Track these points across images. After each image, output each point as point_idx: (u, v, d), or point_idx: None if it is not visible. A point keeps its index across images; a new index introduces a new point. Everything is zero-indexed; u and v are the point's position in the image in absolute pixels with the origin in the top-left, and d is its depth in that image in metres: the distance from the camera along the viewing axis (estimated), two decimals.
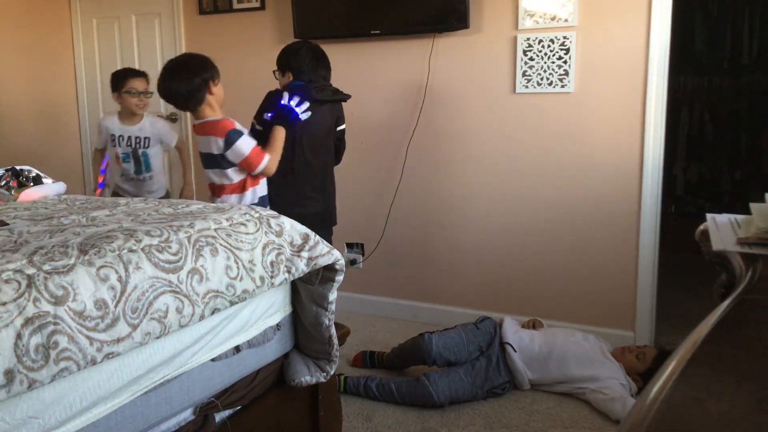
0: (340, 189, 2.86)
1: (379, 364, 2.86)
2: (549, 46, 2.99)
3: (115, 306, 1.19)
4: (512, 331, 2.68)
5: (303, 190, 2.61)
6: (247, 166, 2.33)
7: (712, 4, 4.99)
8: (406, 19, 3.20)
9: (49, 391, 1.13)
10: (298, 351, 1.86)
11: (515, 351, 2.59)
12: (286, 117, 2.43)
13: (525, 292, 3.22)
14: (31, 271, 1.13)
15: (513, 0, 3.04)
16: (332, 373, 1.82)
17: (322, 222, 2.57)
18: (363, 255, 3.57)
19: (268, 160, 2.37)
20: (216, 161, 2.34)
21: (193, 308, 1.34)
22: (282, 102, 2.43)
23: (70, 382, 1.17)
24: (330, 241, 2.71)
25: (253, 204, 2.40)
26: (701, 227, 1.39)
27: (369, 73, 3.40)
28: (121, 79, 3.17)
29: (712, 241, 1.24)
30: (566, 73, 2.98)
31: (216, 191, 2.41)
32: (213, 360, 1.52)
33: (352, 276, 3.53)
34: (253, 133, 2.62)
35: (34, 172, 2.32)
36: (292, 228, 1.67)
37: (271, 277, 1.55)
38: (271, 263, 1.56)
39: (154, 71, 2.63)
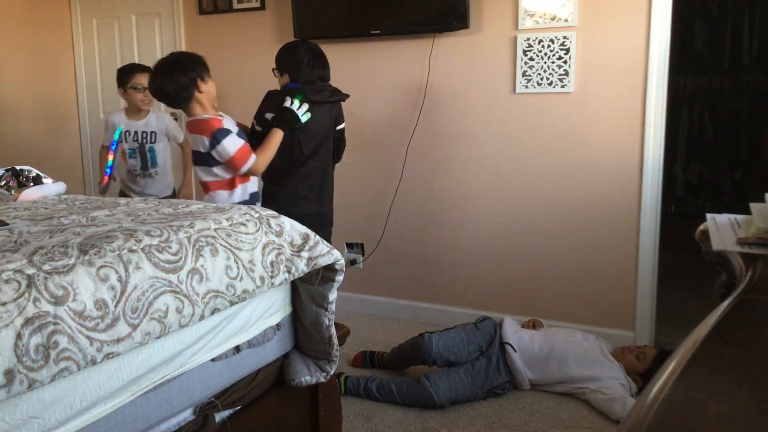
0: (340, 189, 2.87)
1: (379, 364, 2.86)
2: (549, 46, 2.99)
3: (115, 306, 1.19)
4: (512, 331, 2.68)
5: (297, 189, 2.61)
6: (232, 165, 2.35)
7: (712, 4, 4.99)
8: (406, 19, 3.20)
9: (49, 391, 1.13)
10: (298, 351, 1.86)
11: (515, 351, 2.59)
12: (287, 119, 2.45)
13: (525, 292, 3.22)
14: (31, 271, 1.13)
15: (513, 0, 3.04)
16: (332, 373, 1.82)
17: (315, 222, 2.57)
18: (363, 255, 3.57)
19: (255, 161, 2.38)
20: (204, 159, 2.37)
21: (193, 308, 1.34)
22: (285, 104, 2.44)
23: (70, 382, 1.17)
24: (328, 242, 2.70)
25: (243, 200, 2.42)
26: (701, 227, 1.38)
27: (369, 73, 3.40)
28: (126, 75, 3.18)
29: (712, 241, 1.24)
30: (566, 73, 2.98)
31: (205, 188, 2.45)
32: (213, 360, 1.52)
33: (352, 276, 3.53)
34: (253, 133, 2.62)
35: (34, 172, 2.32)
36: (292, 228, 1.67)
37: (271, 277, 1.55)
38: (271, 263, 1.56)
39: None
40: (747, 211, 1.32)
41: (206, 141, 2.32)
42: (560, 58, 2.97)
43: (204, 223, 1.51)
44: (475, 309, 3.28)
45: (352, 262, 3.57)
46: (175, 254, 1.35)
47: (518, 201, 3.18)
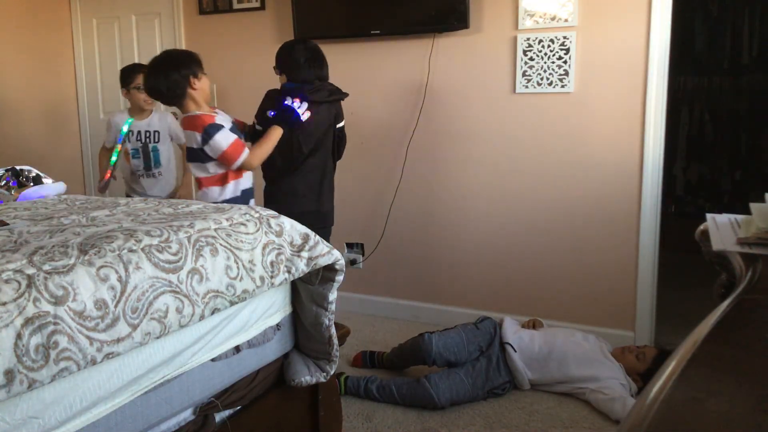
0: (341, 189, 2.87)
1: (379, 364, 2.86)
2: (549, 46, 2.99)
3: (115, 306, 1.19)
4: (512, 331, 2.68)
5: (297, 188, 2.62)
6: (225, 160, 2.37)
7: (712, 4, 4.99)
8: (406, 19, 3.20)
9: (49, 391, 1.13)
10: (298, 351, 1.85)
11: (515, 351, 2.59)
12: (288, 118, 2.46)
13: (525, 292, 3.22)
14: (31, 271, 1.13)
15: (513, 0, 3.04)
16: (332, 373, 1.82)
17: (315, 220, 2.58)
18: (363, 255, 3.57)
19: (248, 155, 2.39)
20: (197, 155, 2.39)
21: (193, 308, 1.34)
22: (285, 102, 2.45)
23: (70, 382, 1.17)
24: (327, 241, 2.71)
25: (234, 197, 2.43)
26: (701, 227, 1.39)
27: (369, 73, 3.40)
28: (129, 75, 3.18)
29: (712, 241, 1.24)
30: (566, 73, 2.98)
31: (198, 185, 2.47)
32: (213, 360, 1.52)
33: (352, 276, 3.53)
34: (254, 132, 2.63)
35: (34, 172, 2.33)
36: (292, 228, 1.67)
37: (271, 277, 1.55)
38: (271, 263, 1.56)
39: None
40: (747, 211, 1.32)
41: (198, 137, 2.34)
42: (560, 58, 2.97)
43: (204, 223, 1.51)
44: (475, 309, 3.28)
45: (352, 262, 3.57)
46: (175, 254, 1.35)
47: (518, 201, 3.18)
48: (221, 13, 3.76)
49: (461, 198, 3.30)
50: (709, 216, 1.44)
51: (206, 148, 2.34)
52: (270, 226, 1.62)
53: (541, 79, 3.03)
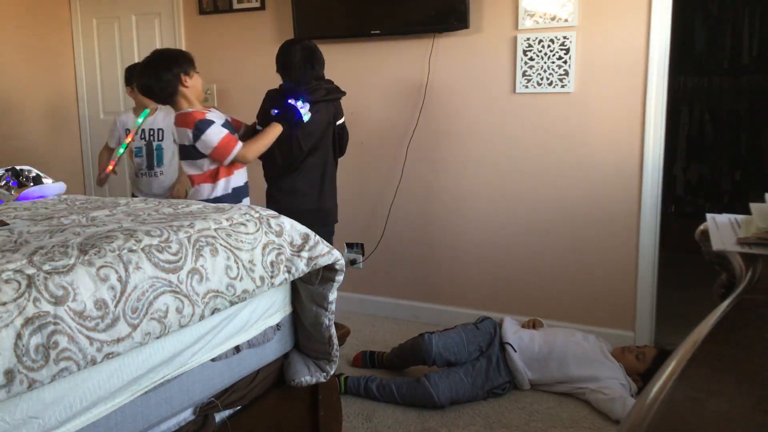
0: (340, 189, 2.87)
1: (379, 364, 2.86)
2: (549, 46, 2.99)
3: (115, 306, 1.19)
4: (512, 331, 2.68)
5: (297, 186, 2.63)
6: (217, 155, 2.37)
7: (712, 4, 4.99)
8: (406, 19, 3.20)
9: (49, 391, 1.13)
10: (298, 351, 1.86)
11: (515, 351, 2.59)
12: (291, 117, 2.48)
13: (525, 292, 3.22)
14: (31, 271, 1.13)
15: (513, 0, 3.04)
16: (332, 373, 1.82)
17: (315, 219, 2.58)
18: (363, 255, 3.57)
19: (243, 148, 2.40)
20: (189, 152, 2.41)
21: (193, 308, 1.34)
22: (289, 102, 2.46)
23: (70, 382, 1.17)
24: (330, 239, 2.72)
25: (225, 194, 2.44)
26: (701, 227, 1.39)
27: (369, 73, 3.40)
28: (134, 73, 3.18)
29: (712, 241, 1.24)
30: (566, 73, 2.98)
31: (191, 182, 2.48)
32: (213, 360, 1.52)
33: (352, 276, 3.53)
34: (254, 132, 2.64)
35: (34, 172, 2.33)
36: (292, 228, 1.67)
37: (271, 277, 1.55)
38: (271, 263, 1.56)
39: None
40: (747, 211, 1.32)
41: (190, 133, 2.35)
42: (560, 58, 2.97)
43: (204, 223, 1.51)
44: (475, 309, 3.28)
45: (352, 262, 3.57)
46: (175, 254, 1.35)
47: (518, 201, 3.18)
48: (221, 13, 3.76)
49: (461, 198, 3.30)
50: (709, 216, 1.44)
51: (198, 145, 2.36)
52: (270, 226, 1.62)
53: (541, 79, 3.03)
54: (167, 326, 1.28)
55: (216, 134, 2.35)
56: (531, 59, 3.03)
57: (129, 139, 3.11)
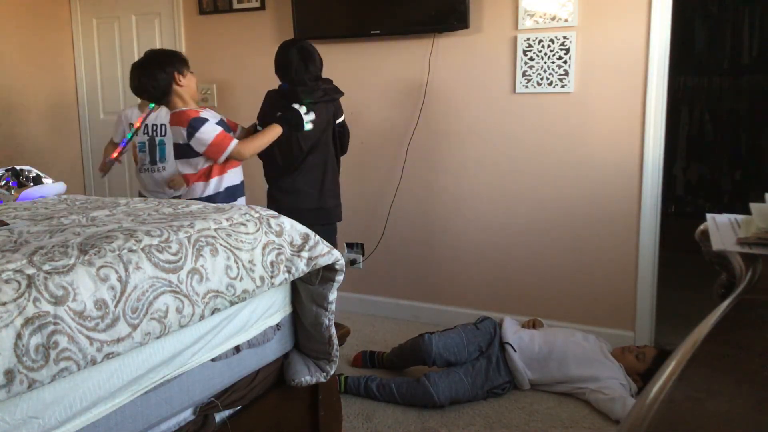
0: (341, 188, 2.86)
1: (379, 364, 2.86)
2: (549, 46, 2.99)
3: (115, 306, 1.19)
4: (512, 331, 2.68)
5: (298, 185, 2.63)
6: (211, 153, 2.38)
7: (712, 4, 4.99)
8: (406, 19, 3.20)
9: (49, 391, 1.13)
10: (298, 351, 1.86)
11: (515, 351, 2.59)
12: (291, 120, 2.50)
13: (525, 292, 3.22)
14: (31, 271, 1.13)
15: (513, 0, 3.04)
16: (332, 373, 1.82)
17: (316, 218, 2.59)
18: (363, 255, 3.57)
19: (239, 144, 2.40)
20: (183, 151, 2.41)
21: (193, 308, 1.34)
22: (294, 107, 2.50)
23: (70, 382, 1.17)
24: (332, 237, 2.72)
25: (217, 192, 2.44)
26: (701, 227, 1.39)
27: (369, 73, 3.40)
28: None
29: (712, 241, 1.24)
30: (566, 73, 2.98)
31: (186, 181, 2.49)
32: (213, 360, 1.52)
33: (352, 276, 3.53)
34: (255, 133, 2.64)
35: (34, 172, 2.33)
36: (292, 228, 1.67)
37: (271, 277, 1.55)
38: (271, 263, 1.56)
39: None
40: (747, 211, 1.32)
41: (183, 131, 2.35)
42: (560, 58, 2.97)
43: (204, 223, 1.51)
44: (475, 309, 3.28)
45: (352, 262, 3.57)
46: (175, 254, 1.35)
47: (518, 201, 3.18)
48: (221, 13, 3.76)
49: (461, 198, 3.30)
50: (709, 216, 1.44)
51: (192, 142, 2.36)
52: (270, 226, 1.62)
53: (541, 79, 3.03)
54: (167, 326, 1.28)
55: (210, 132, 2.35)
56: (531, 59, 3.03)
57: (138, 123, 3.12)
